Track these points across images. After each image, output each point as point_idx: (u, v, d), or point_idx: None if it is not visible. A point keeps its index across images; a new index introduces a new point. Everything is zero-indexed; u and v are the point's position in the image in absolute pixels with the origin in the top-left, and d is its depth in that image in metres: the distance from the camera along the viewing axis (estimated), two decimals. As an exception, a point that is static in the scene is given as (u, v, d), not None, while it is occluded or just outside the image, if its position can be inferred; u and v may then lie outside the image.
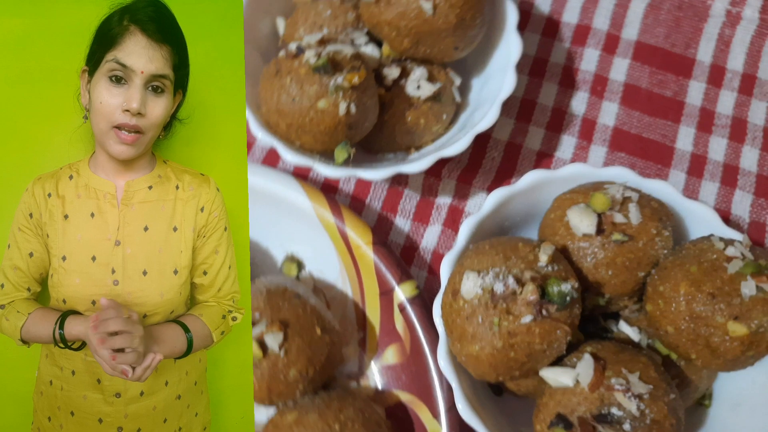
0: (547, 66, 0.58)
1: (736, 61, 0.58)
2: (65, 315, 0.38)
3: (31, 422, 0.40)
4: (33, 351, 0.39)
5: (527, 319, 0.35)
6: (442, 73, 0.49)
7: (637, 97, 0.57)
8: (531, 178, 0.44)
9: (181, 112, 0.40)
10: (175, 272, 0.39)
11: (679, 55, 0.58)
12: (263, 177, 0.50)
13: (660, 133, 0.56)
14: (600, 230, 0.39)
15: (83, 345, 0.38)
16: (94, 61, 0.37)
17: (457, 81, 0.50)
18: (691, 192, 0.54)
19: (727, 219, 0.53)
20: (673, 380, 0.40)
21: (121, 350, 0.36)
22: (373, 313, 0.49)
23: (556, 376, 0.37)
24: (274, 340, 0.42)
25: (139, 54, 0.36)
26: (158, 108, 0.37)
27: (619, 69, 0.58)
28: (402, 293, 0.47)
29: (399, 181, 0.55)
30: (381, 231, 0.54)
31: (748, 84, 0.57)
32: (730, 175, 0.55)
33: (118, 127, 0.37)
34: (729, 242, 0.39)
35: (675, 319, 0.37)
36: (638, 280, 0.40)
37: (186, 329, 0.38)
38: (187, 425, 0.41)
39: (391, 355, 0.48)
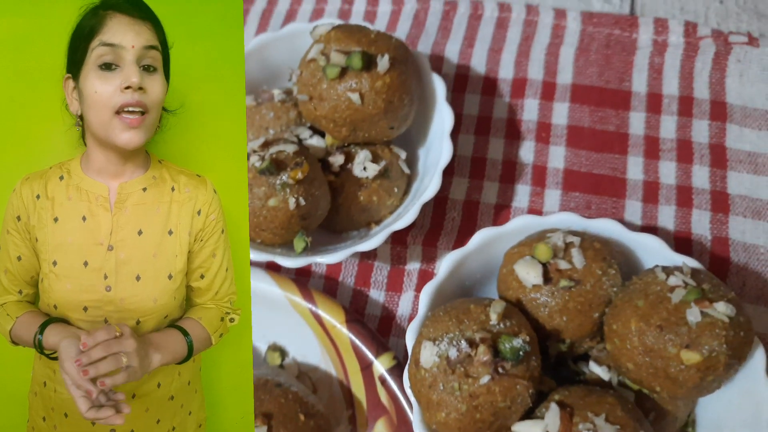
0: (491, 122, 0.61)
1: (670, 86, 0.61)
2: (48, 322, 0.37)
3: (26, 420, 0.39)
4: (29, 350, 0.38)
5: (485, 379, 0.37)
6: (386, 150, 0.52)
7: (582, 136, 0.60)
8: (480, 237, 0.46)
9: (170, 102, 0.39)
10: (170, 277, 0.38)
11: (614, 90, 0.61)
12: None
13: (609, 167, 0.58)
14: (547, 279, 0.41)
15: None
16: (76, 60, 0.36)
17: (403, 155, 0.53)
18: (649, 219, 0.56)
19: (689, 240, 0.55)
20: (650, 413, 0.41)
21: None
22: (358, 389, 0.50)
23: (527, 431, 0.38)
24: (259, 433, 0.43)
25: (125, 31, 0.35)
26: (156, 85, 0.36)
27: (560, 113, 0.61)
28: (381, 366, 0.49)
29: (368, 255, 0.57)
30: (357, 306, 0.56)
31: (686, 106, 0.60)
32: (684, 196, 0.56)
33: (121, 112, 0.35)
34: (671, 272, 0.40)
35: (632, 355, 0.38)
36: (594, 320, 0.41)
37: (185, 333, 0.38)
38: (180, 424, 0.40)
39: (381, 428, 0.49)
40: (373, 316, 0.55)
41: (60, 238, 0.37)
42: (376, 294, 0.56)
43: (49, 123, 0.38)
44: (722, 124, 0.58)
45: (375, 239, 0.47)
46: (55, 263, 0.37)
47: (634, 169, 0.58)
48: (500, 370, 0.37)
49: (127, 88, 0.35)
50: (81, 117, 0.37)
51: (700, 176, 0.57)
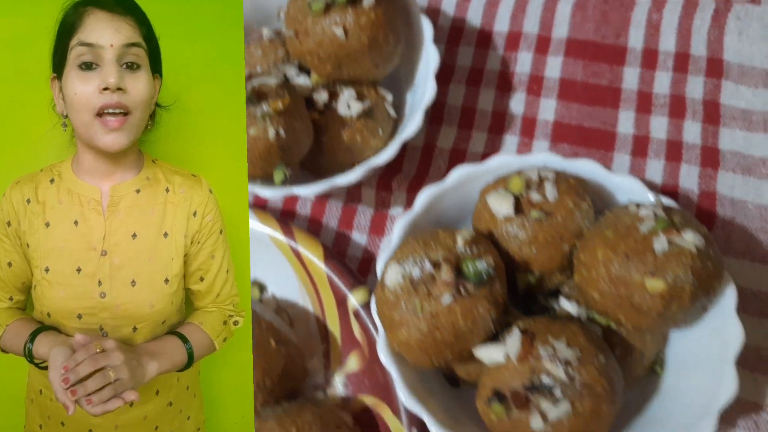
0: (483, 74, 0.61)
1: (667, 43, 0.60)
2: (38, 331, 0.36)
3: (23, 426, 0.39)
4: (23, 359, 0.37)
5: (447, 299, 0.37)
6: (372, 91, 0.52)
7: (574, 90, 0.59)
8: (458, 173, 0.46)
9: (164, 98, 0.38)
10: (166, 281, 0.37)
11: (610, 45, 0.60)
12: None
13: (600, 121, 0.58)
14: (519, 211, 0.41)
15: None
16: (58, 60, 0.35)
17: (389, 97, 0.53)
18: (637, 172, 0.55)
19: (675, 193, 0.54)
20: (616, 348, 0.41)
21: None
22: (334, 325, 0.51)
23: (488, 354, 0.38)
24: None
25: (103, 28, 0.34)
26: (139, 84, 0.35)
27: (553, 67, 0.60)
28: (354, 300, 0.49)
29: (352, 198, 0.57)
30: (339, 247, 0.56)
31: (682, 62, 0.59)
32: (674, 151, 0.56)
33: (101, 114, 0.34)
34: (644, 206, 0.40)
35: (597, 284, 0.38)
36: (564, 253, 0.41)
37: (185, 340, 0.37)
38: (179, 429, 0.39)
39: (353, 362, 0.50)
40: (354, 258, 0.56)
41: (52, 244, 0.36)
42: (359, 237, 0.56)
43: (40, 124, 0.37)
44: (718, 80, 0.57)
45: (354, 173, 0.47)
46: (47, 270, 0.36)
47: (625, 123, 0.57)
48: (462, 291, 0.37)
49: (106, 89, 0.34)
50: (67, 117, 0.36)
51: (692, 132, 0.56)
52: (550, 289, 0.43)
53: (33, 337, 0.35)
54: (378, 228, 0.56)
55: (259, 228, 0.52)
